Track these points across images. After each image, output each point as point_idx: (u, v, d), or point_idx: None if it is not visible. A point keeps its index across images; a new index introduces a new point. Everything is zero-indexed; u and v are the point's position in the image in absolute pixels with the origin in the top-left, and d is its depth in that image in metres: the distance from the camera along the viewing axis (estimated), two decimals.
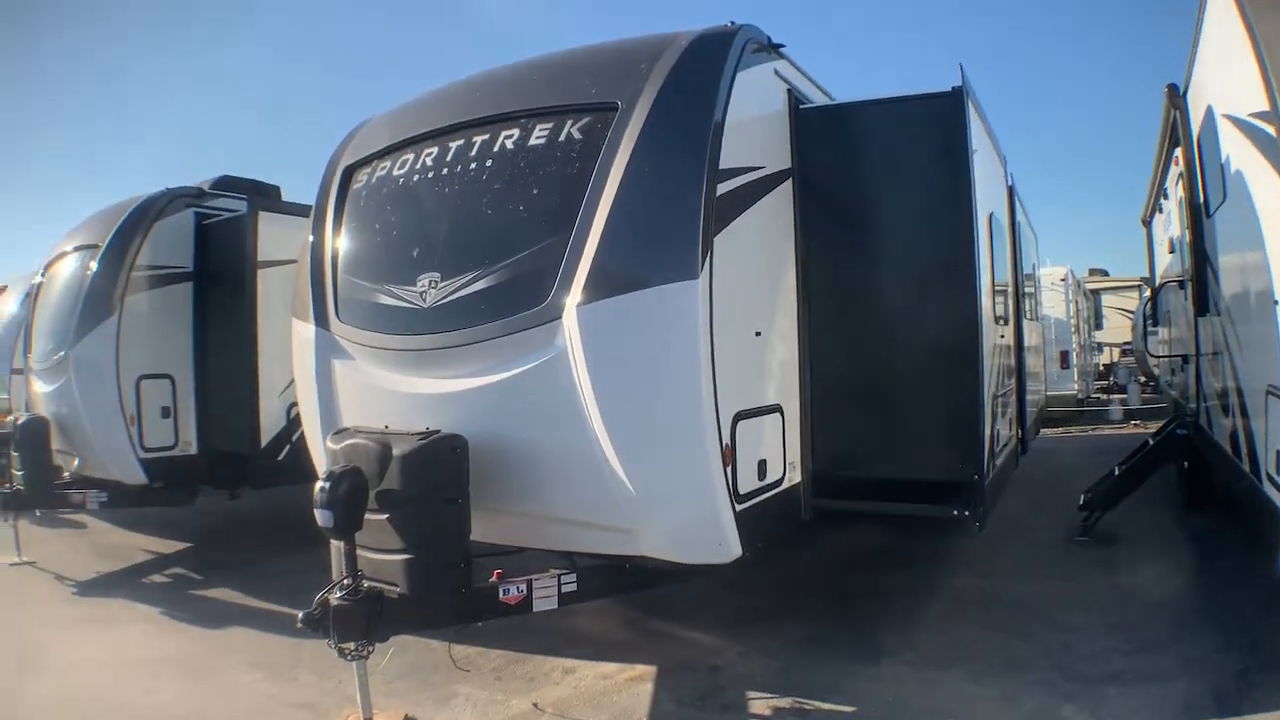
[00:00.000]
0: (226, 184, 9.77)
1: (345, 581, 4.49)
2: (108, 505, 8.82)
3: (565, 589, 5.00)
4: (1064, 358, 18.22)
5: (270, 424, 8.66)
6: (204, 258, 9.25)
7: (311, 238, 6.14)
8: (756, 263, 5.30)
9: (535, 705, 5.07)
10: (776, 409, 5.37)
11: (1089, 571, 7.16)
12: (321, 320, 5.89)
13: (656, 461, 4.55)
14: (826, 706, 4.83)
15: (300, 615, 4.37)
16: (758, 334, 5.18)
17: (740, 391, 4.87)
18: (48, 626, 6.91)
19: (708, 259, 4.48)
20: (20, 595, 7.93)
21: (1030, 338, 9.86)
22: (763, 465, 5.12)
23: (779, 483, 5.35)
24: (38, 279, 9.93)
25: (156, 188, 9.39)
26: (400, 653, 5.75)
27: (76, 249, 9.39)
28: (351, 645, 4.51)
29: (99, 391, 8.41)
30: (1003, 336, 7.04)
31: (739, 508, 4.70)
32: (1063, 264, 19.13)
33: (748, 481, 4.88)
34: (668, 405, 4.51)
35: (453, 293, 5.06)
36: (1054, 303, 17.77)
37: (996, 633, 5.81)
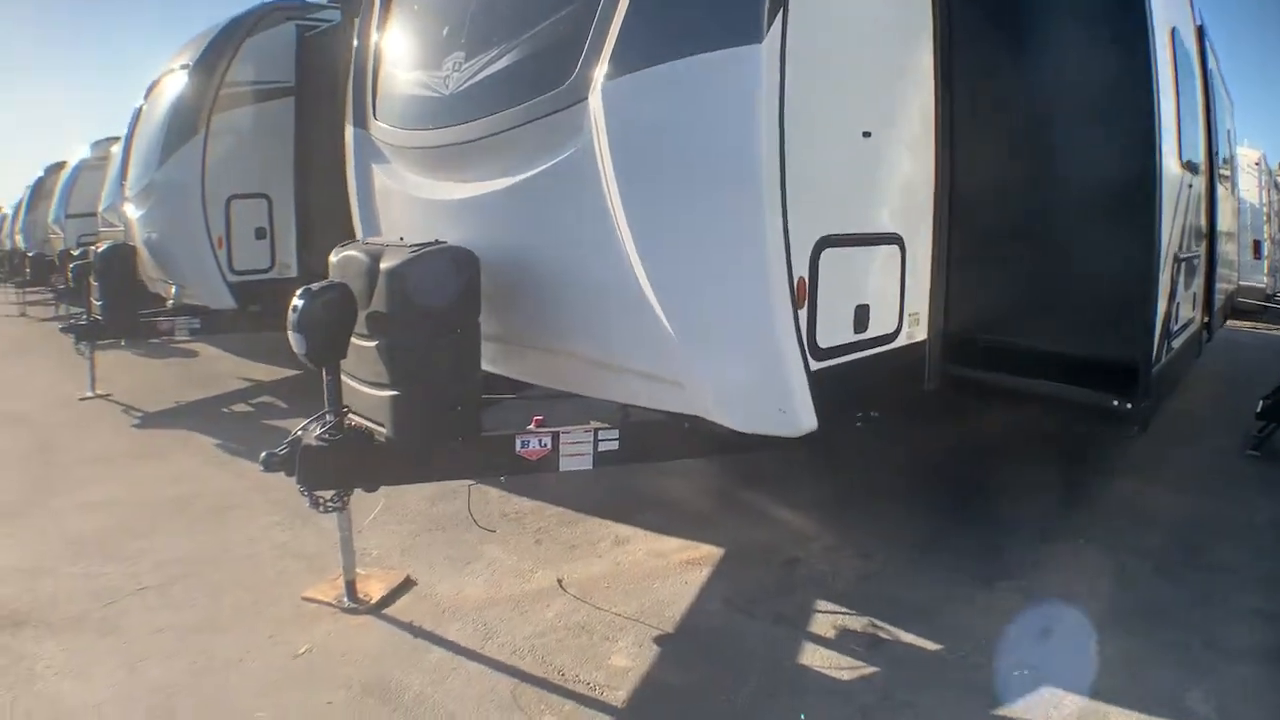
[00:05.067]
0: None
1: (326, 418, 3.75)
2: (199, 332, 8.59)
3: (604, 447, 4.03)
4: (1256, 247, 16.12)
5: None
6: (305, 71, 8.54)
7: (358, 30, 5.26)
8: (868, 37, 3.88)
9: (559, 582, 4.24)
10: (894, 240, 4.06)
11: (1253, 496, 5.52)
12: (360, 119, 5.08)
13: (697, 293, 3.40)
14: (906, 638, 3.68)
15: (262, 455, 3.65)
16: (866, 135, 3.82)
17: (831, 209, 3.61)
18: (83, 464, 6.51)
19: (779, 18, 3.14)
20: (76, 430, 7.60)
21: (1225, 213, 7.69)
22: (863, 313, 3.86)
23: (890, 338, 4.09)
24: (140, 103, 9.60)
25: None
26: (442, 500, 5.12)
27: (173, 70, 8.87)
28: (328, 494, 3.80)
29: (183, 214, 7.99)
30: (1191, 186, 5.20)
31: (816, 365, 3.51)
32: (1258, 148, 16.68)
33: (834, 331, 3.65)
34: (712, 217, 3.29)
35: (474, 75, 4.03)
36: (1249, 186, 15.57)
37: (1143, 562, 4.43)
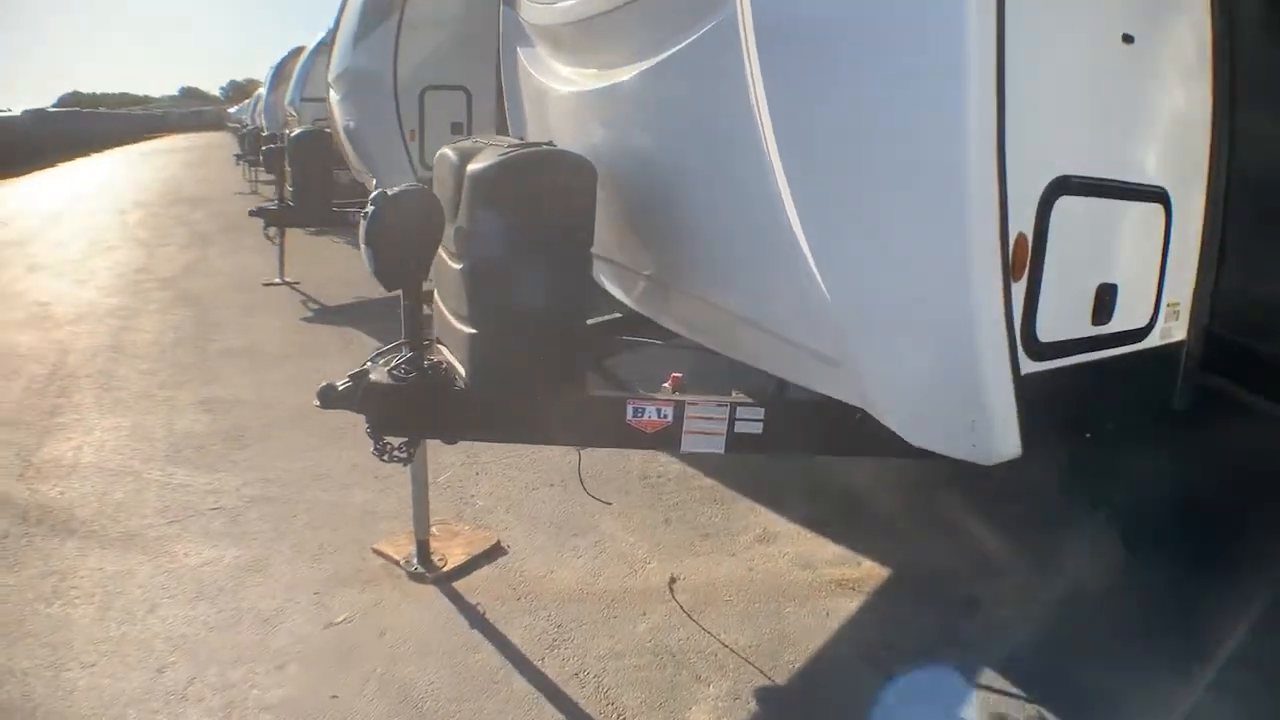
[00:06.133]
0: None
1: (403, 351, 3.10)
2: None
3: (742, 428, 3.08)
4: None
5: None
6: None
7: None
8: None
9: (671, 582, 3.47)
10: (1157, 195, 2.81)
11: None
12: None
13: (862, 241, 2.39)
14: None
15: (319, 389, 3.04)
16: (1128, 39, 2.58)
17: (1073, 137, 2.46)
18: (229, 356, 6.36)
19: None
20: (243, 318, 7.53)
21: None
22: (1108, 296, 2.69)
23: (1139, 335, 2.88)
24: None
25: None
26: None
27: None
28: (396, 442, 3.17)
29: (374, 104, 7.67)
30: None
31: (1030, 366, 2.38)
32: None
33: (1064, 319, 2.51)
34: (889, 130, 2.22)
35: None
36: None
37: None
